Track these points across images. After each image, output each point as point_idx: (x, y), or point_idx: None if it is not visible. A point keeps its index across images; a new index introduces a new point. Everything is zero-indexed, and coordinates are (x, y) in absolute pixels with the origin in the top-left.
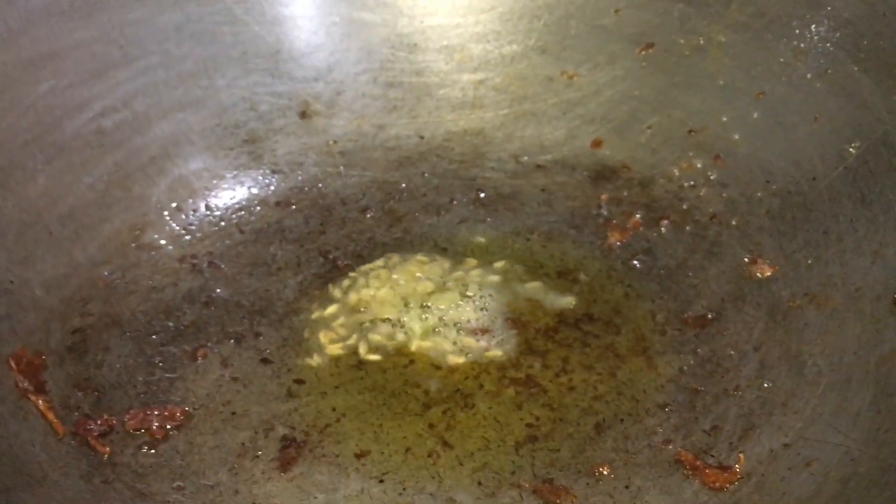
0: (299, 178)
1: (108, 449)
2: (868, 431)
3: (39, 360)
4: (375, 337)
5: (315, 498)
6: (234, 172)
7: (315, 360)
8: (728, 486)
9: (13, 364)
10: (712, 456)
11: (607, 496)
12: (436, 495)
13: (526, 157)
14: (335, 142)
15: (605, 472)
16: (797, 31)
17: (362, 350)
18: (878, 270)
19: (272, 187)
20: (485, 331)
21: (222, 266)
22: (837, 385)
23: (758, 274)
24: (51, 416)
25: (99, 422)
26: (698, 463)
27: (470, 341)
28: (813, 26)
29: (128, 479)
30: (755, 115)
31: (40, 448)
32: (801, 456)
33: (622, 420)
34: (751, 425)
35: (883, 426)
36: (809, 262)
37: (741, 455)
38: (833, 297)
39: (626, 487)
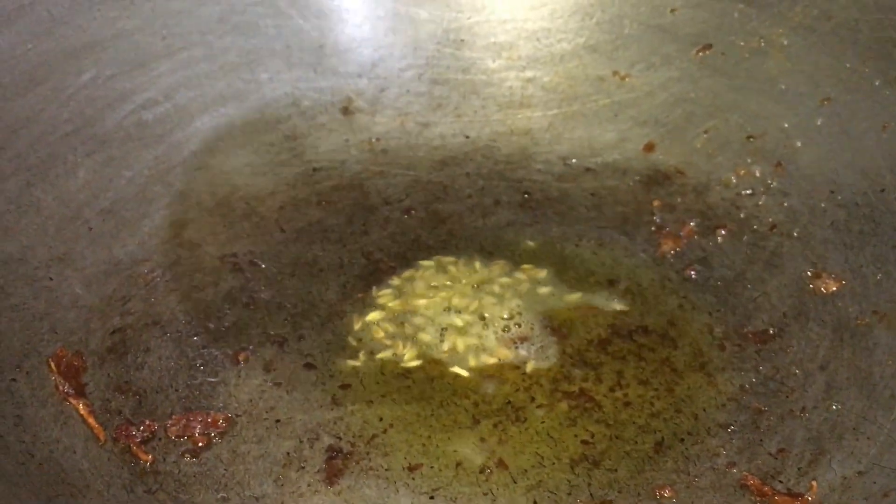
0: (341, 176)
1: (150, 457)
2: None
3: (79, 362)
4: (421, 343)
5: None
6: (276, 169)
7: (360, 366)
8: None
9: (53, 365)
10: (780, 482)
11: None
12: None
13: (575, 160)
14: (378, 139)
15: (666, 495)
16: (865, 36)
17: (408, 356)
18: None
19: (314, 185)
20: (529, 339)
21: (263, 265)
22: None
23: (822, 289)
24: (92, 420)
25: (141, 427)
26: (766, 489)
27: (517, 351)
28: (882, 30)
29: (171, 489)
30: (819, 122)
31: (81, 455)
32: (878, 485)
33: (682, 440)
34: (820, 450)
35: None
36: (878, 277)
37: (814, 482)
38: None
39: None
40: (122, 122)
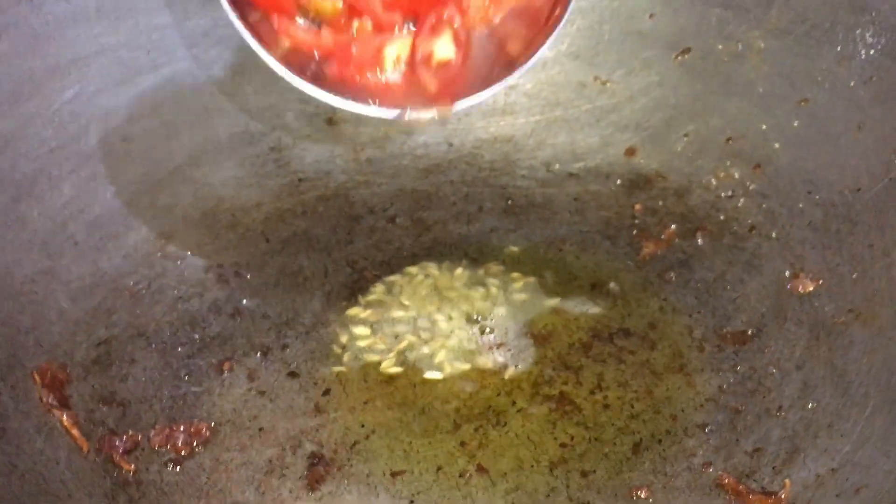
0: (326, 186)
1: (132, 466)
2: None
3: (64, 374)
4: (403, 350)
5: None
6: (261, 180)
7: (343, 373)
8: None
9: (38, 378)
10: (755, 480)
11: None
12: None
13: (558, 165)
14: (363, 149)
15: (642, 496)
16: (840, 38)
17: (389, 362)
18: None
19: (299, 196)
20: (509, 344)
21: (248, 276)
22: (886, 407)
23: (800, 288)
24: (75, 431)
25: (124, 438)
26: (741, 488)
27: (498, 356)
28: (857, 32)
29: (153, 497)
30: (796, 124)
31: (64, 465)
32: (850, 482)
33: (660, 440)
34: (795, 448)
35: None
36: (854, 276)
37: (787, 481)
38: (880, 313)
39: None
40: (107, 138)
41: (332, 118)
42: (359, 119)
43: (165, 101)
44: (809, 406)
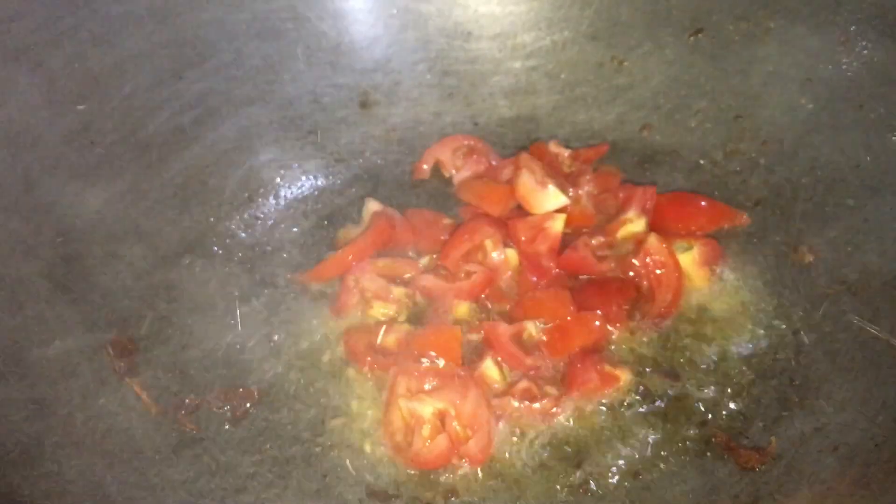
0: (361, 165)
1: (195, 426)
2: (893, 419)
3: (133, 346)
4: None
5: None
6: (300, 162)
7: None
8: (759, 466)
9: (110, 350)
10: (747, 437)
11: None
12: None
13: (577, 142)
14: (394, 130)
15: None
16: (845, 18)
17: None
18: None
19: (336, 175)
20: None
21: (290, 253)
22: (869, 372)
23: (799, 260)
24: (144, 396)
25: (186, 401)
26: (733, 444)
27: None
28: (859, 14)
29: (214, 452)
30: (802, 101)
31: (136, 426)
32: (830, 440)
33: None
34: (786, 409)
35: None
36: (849, 249)
37: (773, 438)
38: (871, 285)
39: (664, 466)
40: (160, 128)
41: (364, 101)
42: (390, 101)
43: (211, 91)
44: (801, 370)
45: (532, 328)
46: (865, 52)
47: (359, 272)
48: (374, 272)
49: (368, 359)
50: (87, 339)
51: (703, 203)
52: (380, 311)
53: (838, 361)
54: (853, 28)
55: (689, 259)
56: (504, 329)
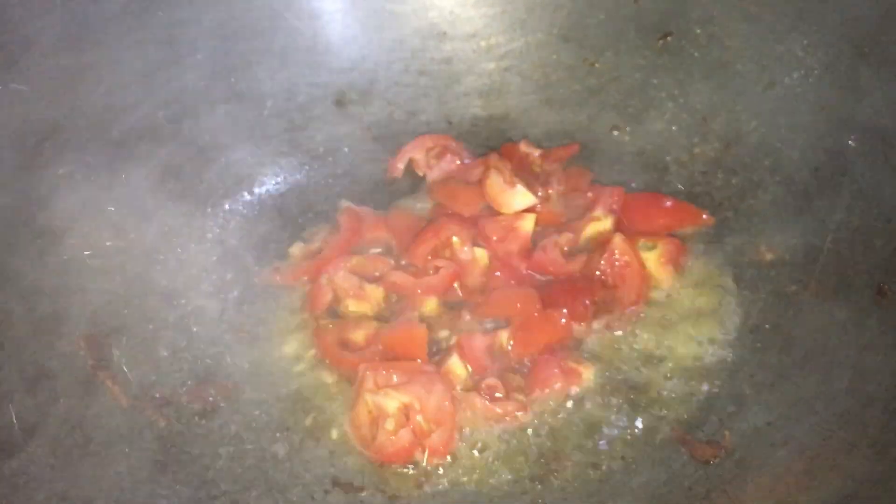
0: (336, 163)
1: (167, 419)
2: (841, 414)
3: (105, 340)
4: None
5: None
6: (276, 159)
7: None
8: (714, 459)
9: (82, 343)
10: (703, 431)
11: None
12: None
13: (549, 142)
14: (369, 128)
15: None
16: (808, 25)
17: None
18: (867, 262)
19: (311, 173)
20: None
21: (267, 249)
22: (821, 368)
23: (758, 259)
24: (116, 389)
25: (157, 394)
26: (688, 437)
27: None
28: (821, 19)
29: (185, 446)
30: (765, 105)
31: (107, 418)
32: (781, 434)
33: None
34: (741, 403)
35: (854, 409)
36: (806, 250)
37: (727, 432)
38: (828, 283)
39: (622, 458)
40: (136, 125)
41: (340, 100)
42: (366, 100)
43: (188, 89)
44: (758, 366)
45: (503, 338)
46: (827, 58)
47: (332, 270)
48: (347, 269)
49: (338, 355)
50: (59, 332)
51: (667, 203)
52: (352, 307)
53: (793, 357)
54: (816, 35)
55: (654, 257)
56: (479, 341)
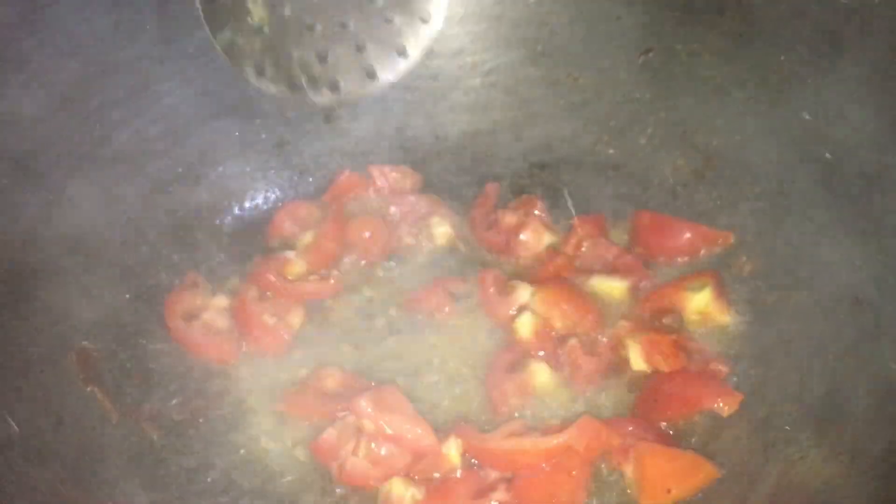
0: (325, 178)
1: (156, 432)
2: (816, 422)
3: (98, 354)
4: None
5: None
6: (265, 174)
7: None
8: None
9: (75, 358)
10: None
11: None
12: None
13: (533, 156)
14: (357, 144)
15: None
16: (786, 40)
17: None
18: (843, 274)
19: (300, 188)
20: None
21: (257, 257)
22: (797, 375)
23: (739, 269)
24: (107, 403)
25: (147, 407)
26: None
27: None
28: (799, 35)
29: (176, 457)
30: (746, 119)
31: (99, 431)
32: (761, 442)
33: None
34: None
35: (829, 416)
36: (785, 261)
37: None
38: (803, 294)
39: None
40: (128, 141)
41: (329, 115)
42: (354, 116)
43: (179, 104)
44: (738, 374)
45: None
46: (803, 73)
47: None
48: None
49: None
50: (55, 347)
51: (687, 234)
52: None
53: (771, 366)
54: (792, 51)
55: (707, 298)
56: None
